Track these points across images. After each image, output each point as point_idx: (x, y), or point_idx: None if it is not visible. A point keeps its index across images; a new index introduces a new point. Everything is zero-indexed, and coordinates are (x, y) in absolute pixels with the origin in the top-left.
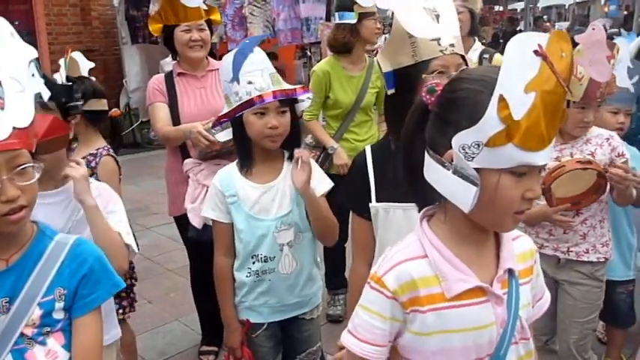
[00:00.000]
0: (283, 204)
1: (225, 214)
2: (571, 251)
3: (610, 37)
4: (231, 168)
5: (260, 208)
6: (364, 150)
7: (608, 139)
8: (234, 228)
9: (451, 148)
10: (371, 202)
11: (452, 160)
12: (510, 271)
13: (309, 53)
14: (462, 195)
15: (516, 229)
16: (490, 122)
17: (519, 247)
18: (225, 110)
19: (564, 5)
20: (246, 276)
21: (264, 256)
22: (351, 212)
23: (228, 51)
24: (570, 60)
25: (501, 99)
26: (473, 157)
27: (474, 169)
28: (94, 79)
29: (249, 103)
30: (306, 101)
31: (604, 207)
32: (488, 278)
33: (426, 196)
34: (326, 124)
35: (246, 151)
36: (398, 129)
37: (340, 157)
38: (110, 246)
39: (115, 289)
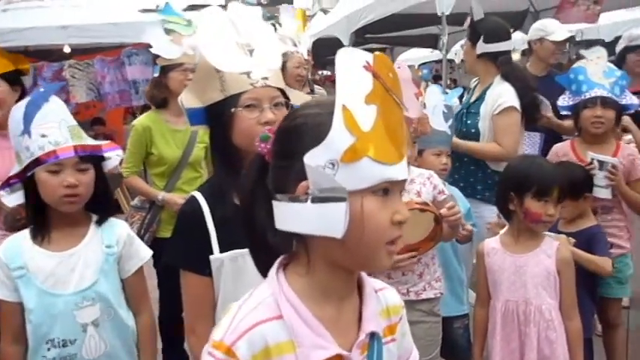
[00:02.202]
0: (86, 275)
1: (12, 292)
2: (410, 291)
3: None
4: (21, 236)
5: (55, 280)
6: (193, 198)
7: (428, 177)
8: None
9: (302, 180)
10: (212, 254)
11: (307, 191)
12: (372, 335)
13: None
14: (329, 220)
15: (382, 281)
16: (339, 135)
17: (383, 300)
18: (16, 169)
19: None
20: None
21: (62, 340)
22: (182, 273)
23: None
24: (397, 80)
25: (344, 109)
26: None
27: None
28: None
29: (42, 159)
30: (114, 158)
31: None
32: (347, 342)
33: (276, 257)
34: (152, 183)
35: (39, 216)
36: (221, 165)
37: (174, 202)
38: None
39: None
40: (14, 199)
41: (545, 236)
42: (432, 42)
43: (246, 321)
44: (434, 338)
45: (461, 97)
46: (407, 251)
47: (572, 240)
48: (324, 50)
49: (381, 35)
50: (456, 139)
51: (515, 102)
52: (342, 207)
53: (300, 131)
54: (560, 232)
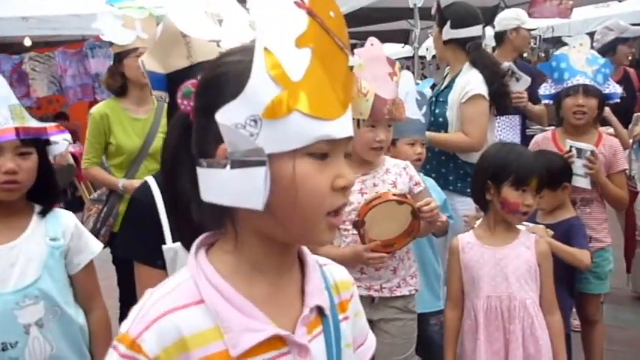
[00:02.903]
0: (28, 270)
1: None
2: (384, 288)
3: None
4: None
5: None
6: (145, 183)
7: (404, 167)
8: None
9: (223, 142)
10: (164, 244)
11: (227, 155)
12: (320, 309)
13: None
14: (249, 188)
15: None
16: (261, 85)
17: (330, 276)
18: None
19: None
20: None
21: (2, 344)
22: (135, 265)
23: None
24: (342, 21)
25: (267, 53)
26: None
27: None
28: None
29: None
30: (61, 143)
31: None
32: (291, 321)
33: (202, 232)
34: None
35: None
36: None
37: (134, 188)
38: None
39: None
40: None
41: (522, 228)
42: (403, 37)
43: (156, 309)
44: (409, 336)
45: (433, 88)
46: (382, 246)
47: (550, 232)
48: None
49: (352, 30)
50: None
51: (482, 89)
52: (261, 172)
53: (220, 83)
54: (538, 224)
